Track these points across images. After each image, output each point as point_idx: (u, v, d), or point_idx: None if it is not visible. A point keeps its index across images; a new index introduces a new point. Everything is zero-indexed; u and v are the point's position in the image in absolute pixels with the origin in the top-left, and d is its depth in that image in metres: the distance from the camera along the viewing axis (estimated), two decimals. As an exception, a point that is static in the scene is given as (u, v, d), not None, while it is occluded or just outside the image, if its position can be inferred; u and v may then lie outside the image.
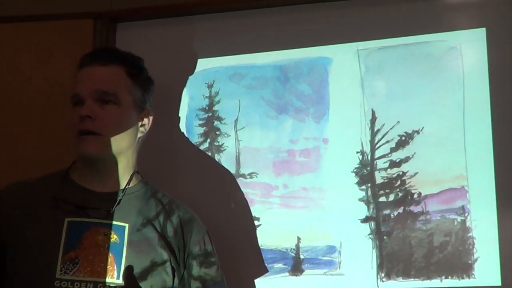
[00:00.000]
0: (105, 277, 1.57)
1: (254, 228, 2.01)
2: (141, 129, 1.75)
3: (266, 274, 1.98)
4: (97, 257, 1.59)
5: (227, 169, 2.06)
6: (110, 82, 1.68)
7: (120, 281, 1.59)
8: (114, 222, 1.64)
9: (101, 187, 1.69)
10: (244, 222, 2.02)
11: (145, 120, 1.76)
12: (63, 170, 1.74)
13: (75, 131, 1.66)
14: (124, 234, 1.64)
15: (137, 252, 1.63)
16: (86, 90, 1.66)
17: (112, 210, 1.64)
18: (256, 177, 2.04)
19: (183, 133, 2.11)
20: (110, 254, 1.60)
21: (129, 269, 1.60)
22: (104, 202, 1.66)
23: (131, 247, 1.63)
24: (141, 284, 1.61)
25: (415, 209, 1.91)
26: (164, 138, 2.11)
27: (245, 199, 2.03)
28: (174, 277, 1.67)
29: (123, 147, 1.70)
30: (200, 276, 1.70)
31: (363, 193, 1.95)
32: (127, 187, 1.71)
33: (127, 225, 1.65)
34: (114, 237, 1.62)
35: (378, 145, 1.95)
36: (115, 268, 1.60)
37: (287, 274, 1.97)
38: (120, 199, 1.67)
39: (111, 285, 1.58)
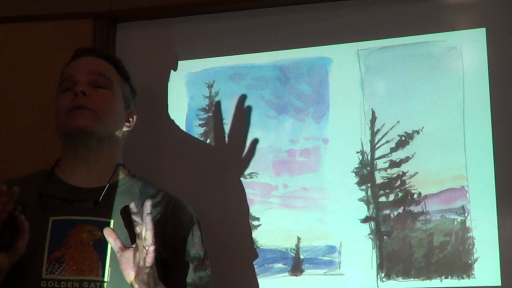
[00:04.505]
0: (90, 275, 1.56)
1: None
2: (127, 123, 1.77)
3: (266, 274, 1.98)
4: (82, 255, 1.58)
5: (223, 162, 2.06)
6: (106, 68, 1.73)
7: (105, 278, 1.58)
8: (99, 219, 1.62)
9: (86, 182, 1.67)
10: (243, 218, 2.02)
11: (130, 118, 1.78)
12: (48, 168, 1.73)
13: (63, 111, 1.66)
14: None
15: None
16: (81, 72, 1.69)
17: (99, 200, 1.63)
18: (256, 177, 2.04)
19: (184, 132, 2.11)
20: (95, 251, 1.59)
21: None
22: (90, 197, 1.65)
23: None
24: None
25: (415, 209, 1.91)
26: (164, 137, 2.11)
27: (245, 193, 2.03)
28: (164, 278, 1.66)
29: (112, 130, 1.70)
30: (194, 280, 1.69)
31: (363, 193, 1.95)
32: (112, 181, 1.69)
33: (112, 221, 1.63)
34: (98, 234, 1.60)
35: (378, 145, 1.96)
36: (100, 265, 1.59)
37: (287, 274, 1.97)
38: (106, 191, 1.65)
39: (96, 282, 1.57)
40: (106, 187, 1.66)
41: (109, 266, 1.59)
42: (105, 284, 1.57)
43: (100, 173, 1.69)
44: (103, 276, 1.58)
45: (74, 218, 1.62)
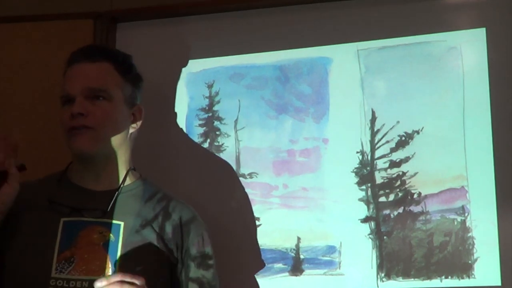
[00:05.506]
0: (100, 275, 1.57)
1: (254, 224, 2.01)
2: (133, 125, 1.76)
3: (266, 274, 1.98)
4: (92, 256, 1.60)
5: (227, 163, 2.06)
6: (100, 78, 1.69)
7: None
8: (109, 221, 1.64)
9: (97, 186, 1.69)
10: (243, 218, 2.02)
11: (137, 116, 1.76)
12: (61, 171, 1.74)
13: (65, 129, 1.66)
14: (119, 232, 1.64)
15: (136, 253, 1.63)
16: (76, 89, 1.67)
17: (107, 210, 1.64)
18: (256, 177, 2.04)
19: (184, 132, 2.11)
20: (105, 252, 1.60)
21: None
22: (100, 200, 1.66)
23: (130, 248, 1.63)
24: None
25: (415, 209, 1.91)
26: (164, 137, 2.11)
27: (246, 194, 2.03)
28: (171, 277, 1.68)
29: (116, 142, 1.70)
30: (198, 277, 1.70)
31: (363, 193, 1.95)
32: (122, 185, 1.71)
33: (122, 223, 1.65)
34: (109, 235, 1.62)
35: (378, 145, 1.96)
36: (110, 266, 1.60)
37: (287, 274, 1.97)
38: (115, 199, 1.67)
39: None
40: (116, 195, 1.67)
41: (119, 266, 1.60)
42: None
43: (110, 177, 1.71)
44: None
45: (85, 219, 1.63)
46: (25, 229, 1.63)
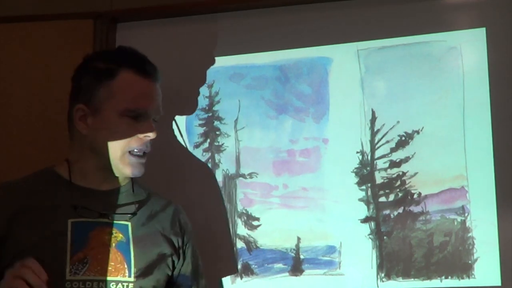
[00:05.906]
0: (117, 276, 1.60)
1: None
2: None
3: (266, 274, 1.98)
4: (106, 256, 1.61)
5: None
6: (161, 102, 1.72)
7: (132, 278, 1.61)
8: (117, 221, 1.65)
9: (98, 185, 1.70)
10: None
11: None
12: (50, 170, 1.72)
13: (120, 148, 1.64)
14: (128, 232, 1.65)
15: (141, 247, 1.65)
16: (152, 109, 1.68)
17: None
18: (256, 177, 2.04)
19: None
20: (119, 253, 1.62)
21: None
22: (104, 200, 1.67)
23: (135, 243, 1.65)
24: (147, 279, 1.63)
25: (415, 209, 1.91)
26: (165, 139, 2.11)
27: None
28: (173, 269, 1.71)
29: None
30: (193, 262, 1.76)
31: (363, 193, 1.95)
32: (122, 184, 1.73)
33: (129, 223, 1.66)
34: (120, 236, 1.63)
35: (378, 145, 1.96)
36: (126, 266, 1.61)
37: (287, 274, 1.97)
38: (120, 197, 1.70)
39: (124, 283, 1.60)
40: (119, 195, 1.70)
41: (134, 266, 1.62)
42: (132, 284, 1.61)
43: (115, 178, 1.71)
44: (129, 276, 1.61)
45: (93, 220, 1.63)
46: (31, 232, 1.61)
